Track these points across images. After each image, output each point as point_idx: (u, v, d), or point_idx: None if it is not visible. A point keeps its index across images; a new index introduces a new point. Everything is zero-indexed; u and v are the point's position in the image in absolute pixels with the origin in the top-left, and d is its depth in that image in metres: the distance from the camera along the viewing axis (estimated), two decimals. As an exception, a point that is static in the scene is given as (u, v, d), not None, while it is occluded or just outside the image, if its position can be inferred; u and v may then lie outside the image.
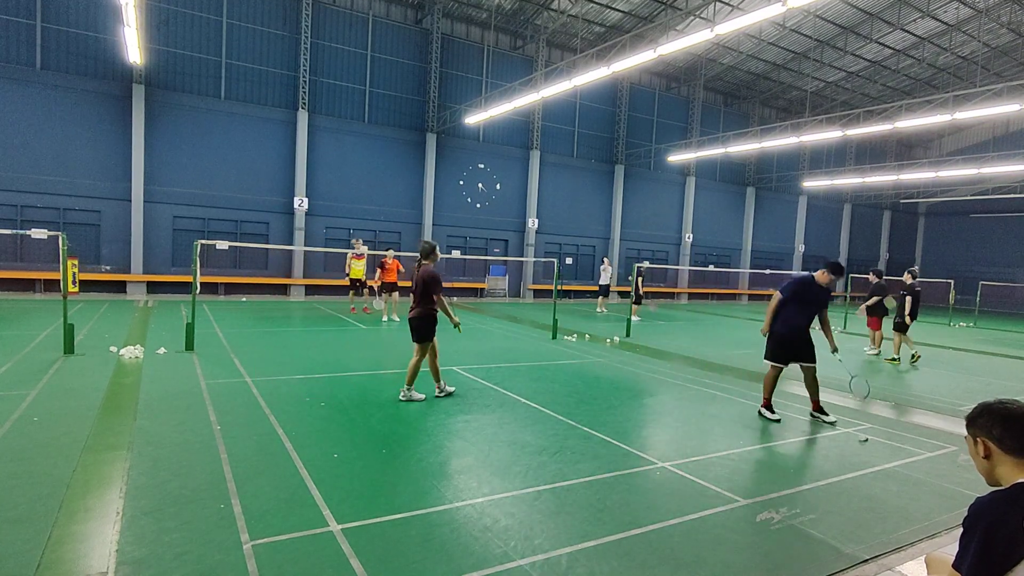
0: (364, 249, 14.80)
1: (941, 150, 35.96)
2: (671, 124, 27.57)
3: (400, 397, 6.46)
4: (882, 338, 12.24)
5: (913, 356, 11.07)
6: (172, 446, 4.68)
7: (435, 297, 6.40)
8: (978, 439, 1.92)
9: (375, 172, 20.87)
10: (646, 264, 17.82)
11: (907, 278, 11.16)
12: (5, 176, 15.82)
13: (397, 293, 14.05)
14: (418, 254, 6.57)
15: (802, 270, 30.56)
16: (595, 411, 6.46)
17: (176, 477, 4.07)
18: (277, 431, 5.18)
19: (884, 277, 12.07)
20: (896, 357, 11.04)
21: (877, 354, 12.10)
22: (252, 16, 18.67)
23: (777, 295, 6.54)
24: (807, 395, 6.57)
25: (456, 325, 6.62)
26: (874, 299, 11.80)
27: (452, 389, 6.88)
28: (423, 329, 6.46)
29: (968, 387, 9.13)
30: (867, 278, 12.37)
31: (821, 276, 6.45)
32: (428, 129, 21.42)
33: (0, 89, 15.66)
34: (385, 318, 13.73)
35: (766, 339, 6.61)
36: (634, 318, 16.69)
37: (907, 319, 10.92)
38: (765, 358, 6.59)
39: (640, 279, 16.85)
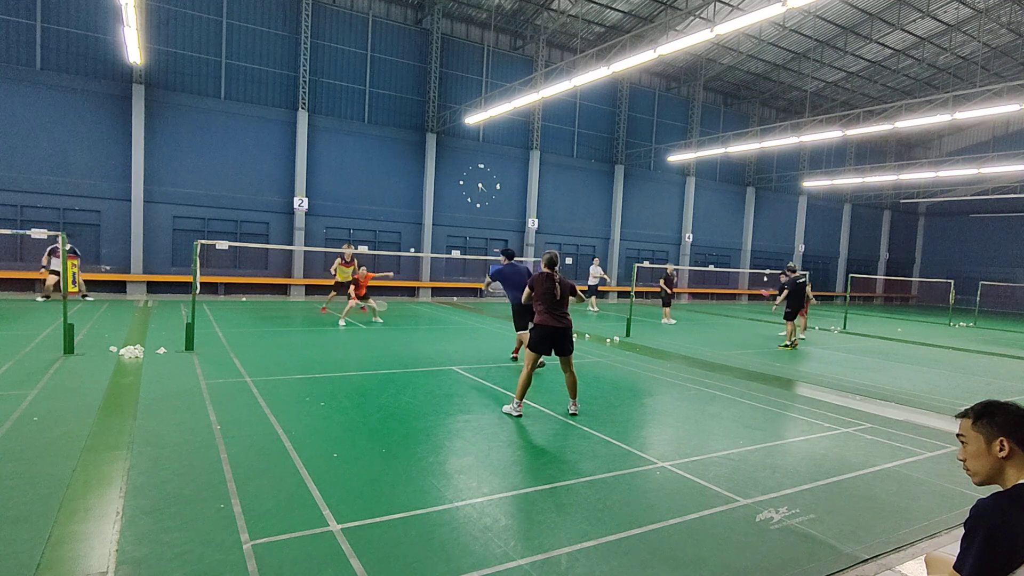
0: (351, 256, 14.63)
1: (941, 150, 35.95)
2: (671, 124, 27.56)
3: (571, 411, 6.22)
4: (793, 328, 13.36)
5: (792, 342, 12.67)
6: (172, 446, 4.67)
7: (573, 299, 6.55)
8: (997, 438, 1.87)
9: (375, 172, 20.86)
10: (670, 267, 17.63)
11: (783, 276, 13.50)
12: (5, 176, 15.80)
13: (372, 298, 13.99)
14: (547, 264, 6.34)
15: (802, 270, 30.51)
16: (595, 411, 6.45)
17: (176, 477, 4.06)
18: (277, 431, 5.17)
19: (796, 272, 13.78)
20: (787, 343, 12.58)
21: (801, 339, 13.93)
22: (252, 16, 18.67)
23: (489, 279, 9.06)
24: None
25: None
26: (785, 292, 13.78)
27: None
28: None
29: (968, 387, 9.13)
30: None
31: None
32: (428, 129, 21.41)
33: (0, 89, 15.67)
34: (378, 319, 13.87)
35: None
36: (664, 320, 16.71)
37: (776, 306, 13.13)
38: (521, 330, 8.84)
39: (668, 282, 16.96)
